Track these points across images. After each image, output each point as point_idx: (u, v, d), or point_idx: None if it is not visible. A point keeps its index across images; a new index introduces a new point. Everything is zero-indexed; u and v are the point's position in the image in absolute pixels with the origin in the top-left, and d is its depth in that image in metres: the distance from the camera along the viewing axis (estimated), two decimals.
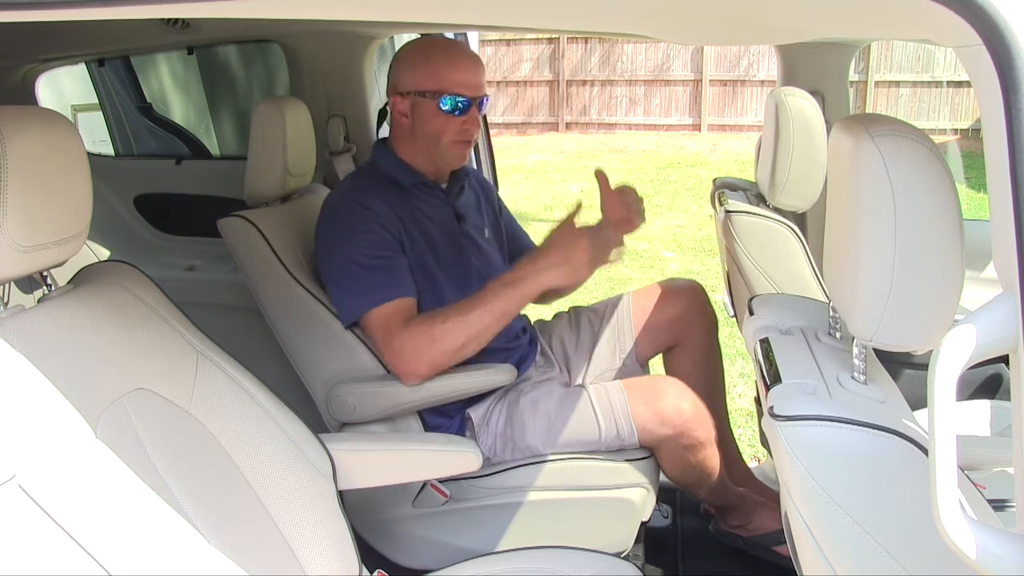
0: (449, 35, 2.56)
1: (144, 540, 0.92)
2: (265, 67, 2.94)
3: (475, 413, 1.64)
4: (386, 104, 1.77)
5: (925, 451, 0.74)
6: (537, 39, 11.40)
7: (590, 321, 1.93)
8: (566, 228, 1.51)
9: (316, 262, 1.66)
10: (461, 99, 1.61)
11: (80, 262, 1.17)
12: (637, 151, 10.09)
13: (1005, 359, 0.62)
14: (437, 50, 1.66)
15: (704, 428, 1.57)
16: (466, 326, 1.50)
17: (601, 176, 1.61)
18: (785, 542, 0.96)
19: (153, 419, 1.09)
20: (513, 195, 7.44)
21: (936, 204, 0.73)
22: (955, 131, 9.42)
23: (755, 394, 2.41)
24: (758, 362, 0.96)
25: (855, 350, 0.84)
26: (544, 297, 1.82)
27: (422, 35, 2.08)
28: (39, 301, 1.07)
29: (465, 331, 1.50)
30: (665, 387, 1.59)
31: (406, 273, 1.59)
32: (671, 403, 1.56)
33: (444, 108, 1.61)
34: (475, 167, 2.57)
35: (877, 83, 9.94)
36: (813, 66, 1.99)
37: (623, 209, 1.59)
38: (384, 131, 2.32)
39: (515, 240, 1.99)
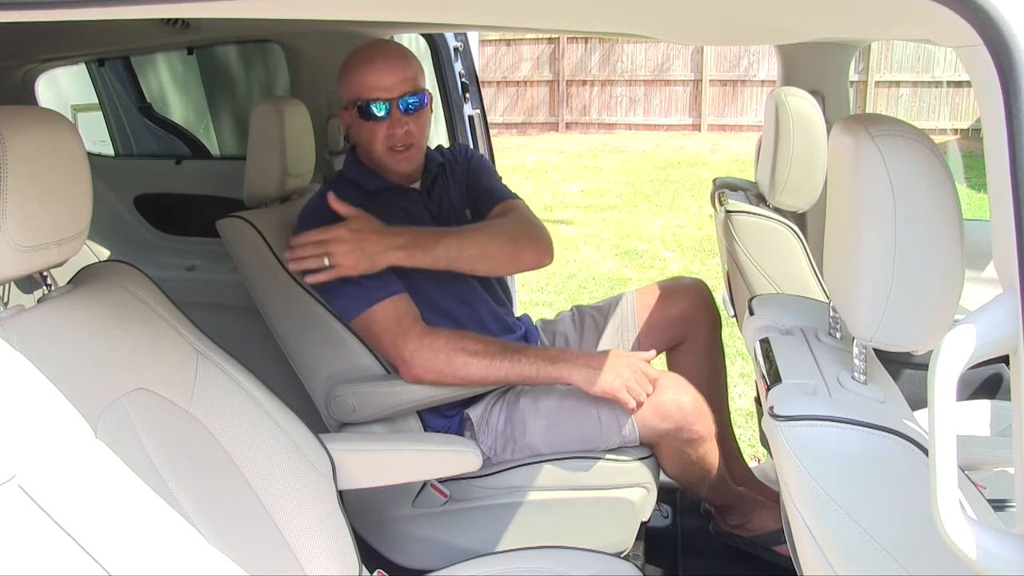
0: (450, 35, 2.56)
1: (144, 540, 0.92)
2: (265, 67, 2.94)
3: (474, 413, 1.64)
4: None
5: (925, 451, 0.74)
6: (537, 39, 11.40)
7: (594, 319, 1.93)
8: (635, 357, 1.55)
9: None
10: (376, 103, 1.58)
11: (80, 262, 1.17)
12: (637, 151, 10.09)
13: (1005, 359, 0.62)
14: (355, 57, 1.64)
15: (704, 422, 1.57)
16: (487, 372, 1.54)
17: None
18: (785, 542, 0.96)
19: (153, 419, 1.09)
20: None
21: (936, 204, 0.73)
22: (955, 131, 9.43)
23: (755, 394, 2.40)
24: (758, 362, 0.96)
25: (855, 350, 0.84)
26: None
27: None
28: (39, 301, 1.07)
29: (483, 375, 1.54)
30: (665, 382, 1.59)
31: (390, 272, 1.57)
32: (671, 397, 1.56)
33: (363, 115, 1.60)
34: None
35: (877, 83, 9.94)
36: (813, 66, 1.99)
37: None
38: None
39: (478, 186, 1.82)
